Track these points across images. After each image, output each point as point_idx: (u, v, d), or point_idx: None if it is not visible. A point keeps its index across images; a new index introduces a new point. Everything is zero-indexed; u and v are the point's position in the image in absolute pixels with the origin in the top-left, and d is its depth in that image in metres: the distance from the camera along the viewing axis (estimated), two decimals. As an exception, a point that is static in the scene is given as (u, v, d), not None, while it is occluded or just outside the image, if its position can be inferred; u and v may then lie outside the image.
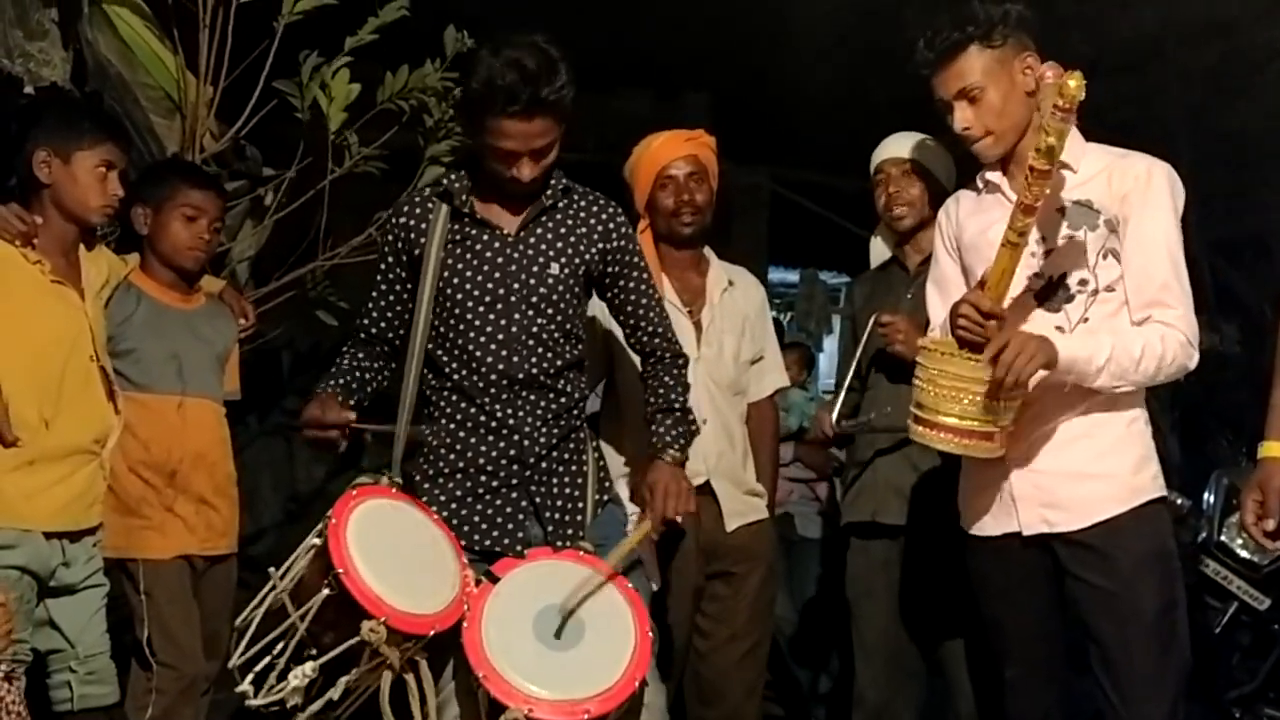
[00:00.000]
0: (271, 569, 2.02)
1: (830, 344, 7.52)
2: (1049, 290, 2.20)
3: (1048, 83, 2.16)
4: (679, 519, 2.27)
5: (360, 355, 2.36)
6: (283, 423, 5.28)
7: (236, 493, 2.82)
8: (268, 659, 1.94)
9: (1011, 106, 2.19)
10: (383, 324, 2.34)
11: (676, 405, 2.36)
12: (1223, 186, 4.52)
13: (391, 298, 2.32)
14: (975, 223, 2.31)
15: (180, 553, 2.67)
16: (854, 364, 2.93)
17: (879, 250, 3.05)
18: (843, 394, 2.92)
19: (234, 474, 2.82)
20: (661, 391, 2.37)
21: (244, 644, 1.97)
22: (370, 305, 2.35)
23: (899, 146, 2.89)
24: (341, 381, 2.29)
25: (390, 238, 2.29)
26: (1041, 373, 2.08)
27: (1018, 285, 2.16)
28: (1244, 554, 3.69)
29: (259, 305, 3.23)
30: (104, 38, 2.97)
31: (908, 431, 2.20)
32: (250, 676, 1.94)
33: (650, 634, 2.07)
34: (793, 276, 7.67)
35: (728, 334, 2.93)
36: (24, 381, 2.35)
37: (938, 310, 2.42)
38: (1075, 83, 1.92)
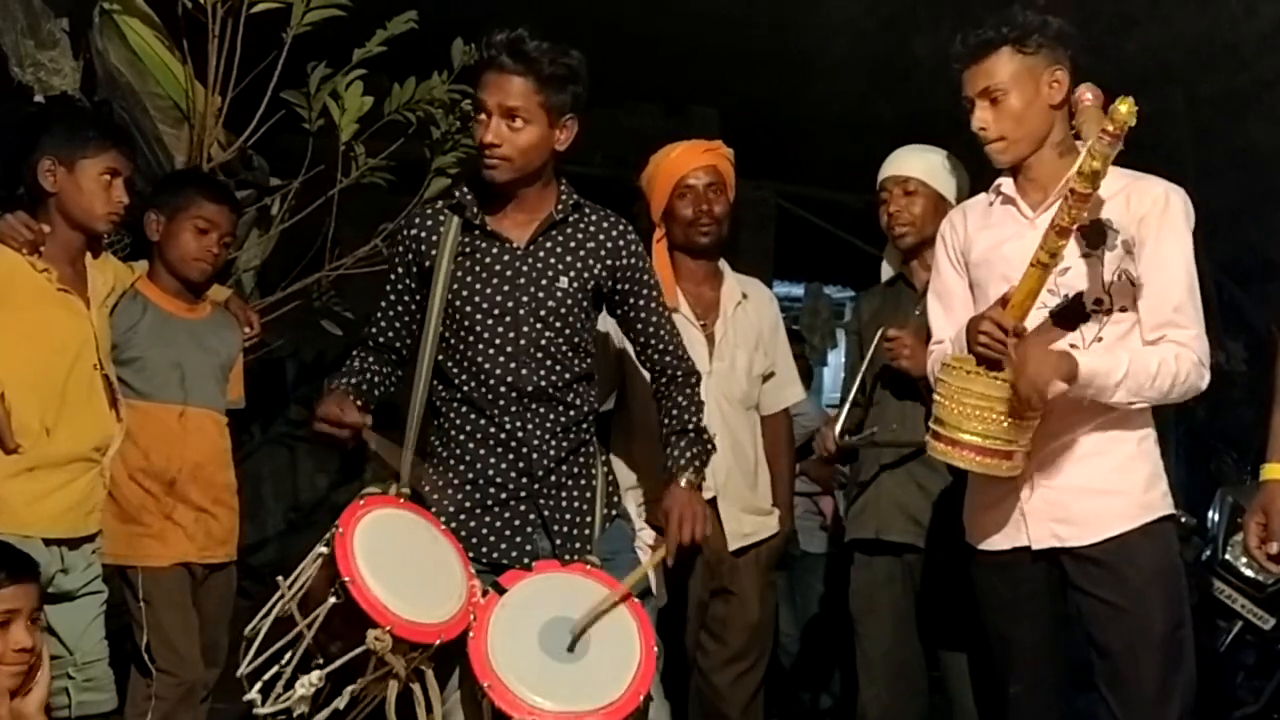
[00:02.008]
0: (280, 577, 2.02)
1: (835, 358, 7.52)
2: (1064, 309, 2.20)
3: (1086, 104, 2.16)
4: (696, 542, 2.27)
5: (370, 359, 2.36)
6: (286, 432, 5.29)
7: (236, 502, 2.82)
8: (275, 668, 1.95)
9: (1031, 115, 2.20)
10: (390, 333, 2.35)
11: (691, 426, 2.36)
12: (1230, 206, 4.53)
13: (400, 308, 2.33)
14: (986, 237, 2.32)
15: (180, 560, 2.67)
16: (859, 379, 2.92)
17: (889, 272, 3.05)
18: (846, 409, 2.92)
19: (234, 483, 2.82)
20: (676, 412, 2.37)
21: (252, 653, 1.97)
22: (379, 315, 2.36)
23: (902, 164, 2.87)
24: (353, 381, 2.30)
25: (401, 249, 2.30)
26: (1061, 386, 2.08)
27: None
28: (1249, 573, 3.66)
29: (264, 315, 3.24)
30: (114, 47, 2.98)
31: (924, 447, 2.19)
32: (258, 685, 1.94)
33: (655, 650, 2.07)
34: (798, 291, 7.68)
35: (740, 348, 2.93)
36: (27, 389, 2.36)
37: (940, 323, 2.41)
38: (1126, 108, 1.91)
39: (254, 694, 1.94)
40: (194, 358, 2.73)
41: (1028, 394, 2.03)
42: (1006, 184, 2.31)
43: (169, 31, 3.08)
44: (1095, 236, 2.19)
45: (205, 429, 2.74)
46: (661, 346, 2.38)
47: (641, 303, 2.34)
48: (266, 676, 1.94)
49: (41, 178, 2.44)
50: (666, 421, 2.37)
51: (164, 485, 2.65)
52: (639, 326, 2.36)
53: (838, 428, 2.90)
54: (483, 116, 2.17)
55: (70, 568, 2.43)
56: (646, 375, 2.46)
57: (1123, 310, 2.19)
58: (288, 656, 1.94)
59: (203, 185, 2.82)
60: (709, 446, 2.41)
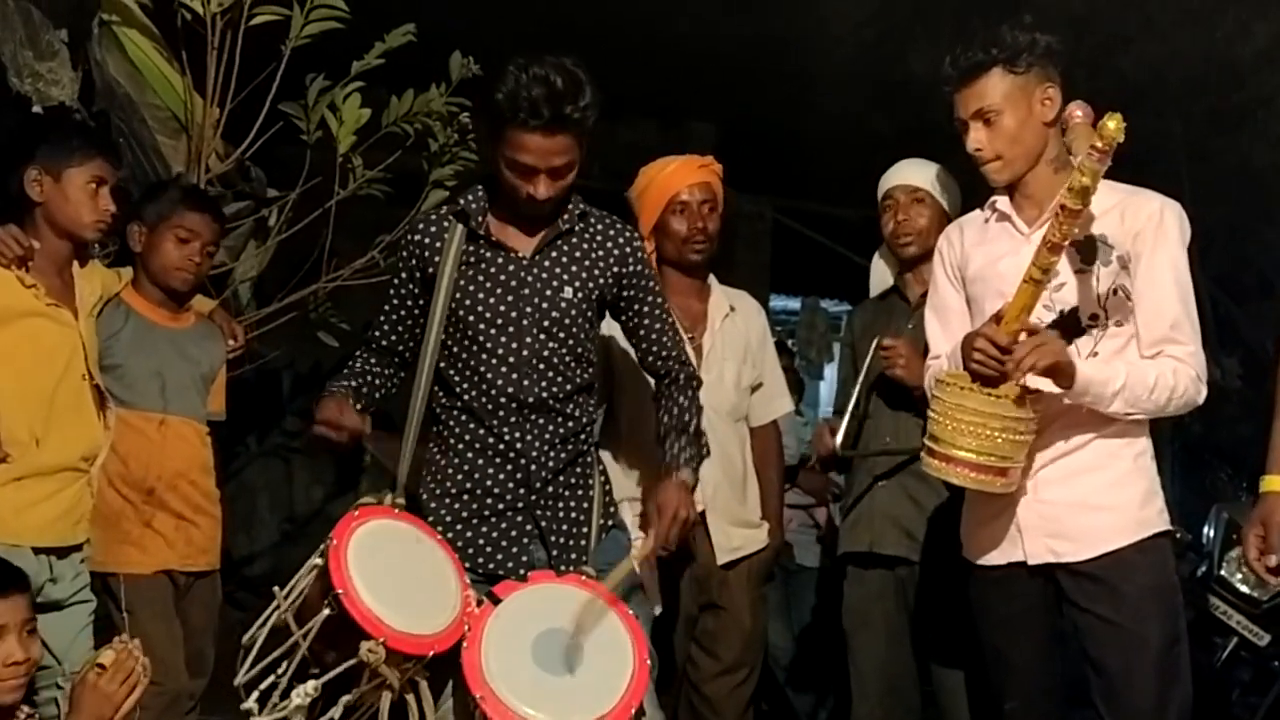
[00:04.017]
0: (276, 588, 2.03)
1: (831, 371, 7.53)
2: (1059, 324, 2.21)
3: (1077, 121, 2.18)
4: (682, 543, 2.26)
5: (372, 361, 2.37)
6: (281, 444, 5.28)
7: (219, 510, 2.82)
8: (271, 678, 1.96)
9: (1026, 134, 2.20)
10: (393, 337, 2.35)
11: (692, 427, 2.35)
12: (1226, 222, 4.56)
13: (403, 312, 2.33)
14: (982, 253, 2.32)
15: (161, 568, 2.67)
16: (854, 392, 2.92)
17: (880, 271, 3.04)
18: (845, 422, 2.91)
19: (215, 492, 2.81)
20: (676, 411, 2.35)
21: (248, 662, 1.98)
22: (381, 319, 2.36)
23: (910, 173, 2.88)
24: (353, 384, 2.30)
25: (405, 254, 2.30)
26: (1055, 389, 2.09)
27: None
28: (1244, 589, 3.66)
29: (260, 326, 3.24)
30: (113, 59, 2.99)
31: (918, 459, 2.19)
32: (255, 695, 1.95)
33: (648, 662, 2.06)
34: (794, 304, 7.70)
35: (729, 360, 2.93)
36: (15, 402, 2.37)
37: (937, 338, 2.42)
38: (1115, 124, 1.91)
39: (251, 703, 1.95)
40: (175, 367, 2.72)
41: (1023, 356, 2.02)
42: (1002, 201, 2.32)
43: (168, 43, 3.09)
44: (1089, 252, 2.20)
45: (186, 437, 2.74)
46: (665, 353, 2.38)
47: (646, 309, 2.34)
48: (263, 686, 1.95)
49: (28, 187, 2.44)
50: (666, 419, 2.34)
51: (142, 493, 2.65)
52: (642, 333, 2.36)
53: (837, 439, 2.90)
54: (524, 172, 2.12)
55: (59, 577, 2.42)
56: (640, 382, 2.46)
57: (1118, 325, 2.19)
58: (283, 666, 1.95)
59: (185, 194, 2.81)
60: (704, 451, 2.40)
